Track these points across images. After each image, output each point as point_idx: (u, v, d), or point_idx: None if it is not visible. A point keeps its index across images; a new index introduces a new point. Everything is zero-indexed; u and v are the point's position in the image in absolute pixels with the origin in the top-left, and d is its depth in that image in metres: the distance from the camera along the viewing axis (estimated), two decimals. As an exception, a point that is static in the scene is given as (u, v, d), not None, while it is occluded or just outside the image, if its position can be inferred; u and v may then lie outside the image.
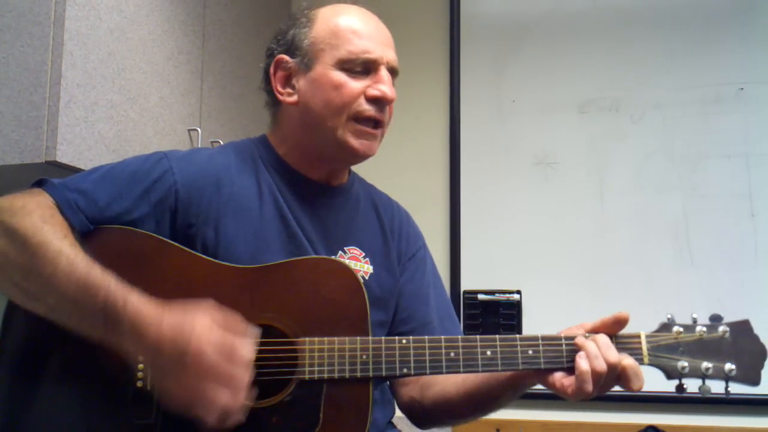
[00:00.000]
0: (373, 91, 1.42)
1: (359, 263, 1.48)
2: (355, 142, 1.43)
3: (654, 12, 2.97)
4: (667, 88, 2.91)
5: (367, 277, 1.48)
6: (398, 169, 2.94)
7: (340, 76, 1.42)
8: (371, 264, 1.50)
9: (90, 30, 1.90)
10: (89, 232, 1.30)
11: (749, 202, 2.77)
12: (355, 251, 1.49)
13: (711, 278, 2.75)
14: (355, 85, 1.42)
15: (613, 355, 1.22)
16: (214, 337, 1.12)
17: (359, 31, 1.44)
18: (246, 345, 1.15)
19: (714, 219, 2.79)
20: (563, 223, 2.92)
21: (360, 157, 1.47)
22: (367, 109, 1.42)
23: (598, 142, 2.95)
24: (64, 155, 1.79)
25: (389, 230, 1.58)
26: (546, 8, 3.08)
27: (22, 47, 1.81)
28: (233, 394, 1.12)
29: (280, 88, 1.48)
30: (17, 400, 1.27)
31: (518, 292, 2.89)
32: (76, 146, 1.83)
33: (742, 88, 2.84)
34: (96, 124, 1.91)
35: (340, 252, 1.47)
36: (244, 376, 1.14)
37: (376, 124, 1.45)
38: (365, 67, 1.43)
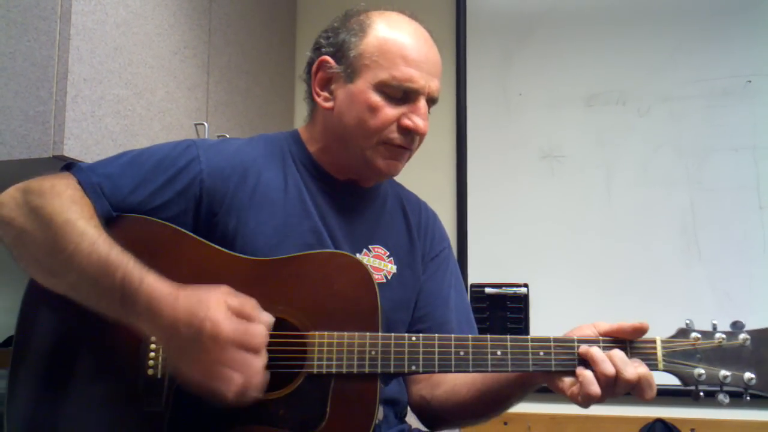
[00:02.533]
0: (406, 121, 1.38)
1: (383, 262, 1.47)
2: (381, 162, 1.42)
3: (661, 5, 2.95)
4: (674, 82, 2.89)
5: (389, 277, 1.47)
6: (405, 163, 2.93)
7: (377, 99, 1.38)
8: (395, 263, 1.49)
9: (96, 25, 1.90)
10: (109, 219, 1.30)
11: (757, 194, 2.76)
12: (380, 250, 1.48)
13: (719, 272, 2.74)
14: (390, 111, 1.38)
15: (630, 373, 1.19)
16: (229, 318, 1.13)
17: (409, 56, 1.38)
18: (260, 328, 1.15)
19: (722, 212, 2.78)
20: (570, 216, 2.91)
21: (384, 176, 1.47)
22: (397, 137, 1.40)
23: (605, 135, 2.94)
24: (71, 150, 1.79)
25: (416, 230, 1.57)
26: (552, 2, 3.07)
27: (28, 42, 1.81)
28: (250, 373, 1.13)
29: (318, 89, 1.45)
30: (27, 391, 1.28)
31: (525, 285, 2.89)
32: (83, 141, 1.84)
33: (750, 81, 2.82)
34: (103, 118, 1.91)
35: (364, 250, 1.46)
36: (260, 356, 1.14)
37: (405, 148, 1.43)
38: (405, 95, 1.39)
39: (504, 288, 2.90)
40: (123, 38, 2.01)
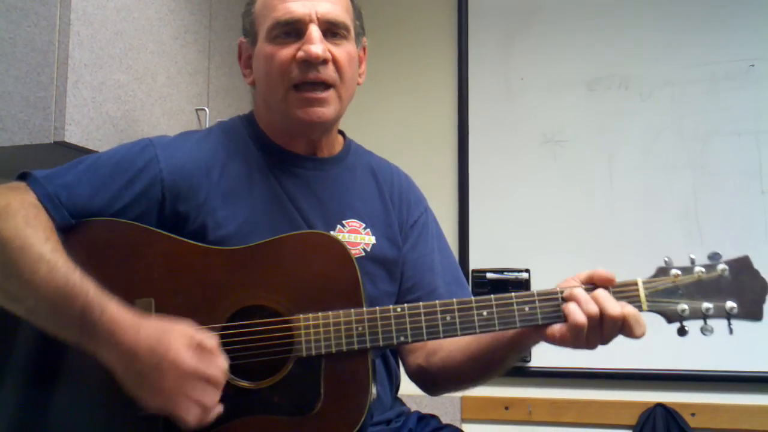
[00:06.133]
0: (300, 53, 1.37)
1: (359, 235, 1.46)
2: (299, 112, 1.40)
3: (664, -12, 2.94)
4: (676, 65, 2.88)
5: (368, 249, 1.46)
6: (406, 147, 2.93)
7: (270, 48, 1.40)
8: (373, 234, 1.48)
9: (97, 9, 1.89)
10: (74, 225, 1.29)
11: (759, 179, 2.75)
12: (355, 224, 1.47)
13: (720, 256, 2.74)
14: (284, 53, 1.38)
15: (613, 307, 1.20)
16: (191, 349, 1.14)
17: None
18: (220, 361, 1.17)
19: (724, 197, 2.77)
20: (572, 201, 2.90)
21: (313, 125, 1.43)
22: (298, 74, 1.38)
23: (607, 120, 2.93)
24: (73, 135, 1.79)
25: (389, 199, 1.55)
26: (555, -15, 3.05)
27: (29, 27, 1.81)
28: (208, 404, 1.14)
29: (244, 69, 1.51)
30: (16, 394, 1.26)
31: (527, 270, 2.89)
32: (84, 126, 1.83)
33: (753, 65, 2.81)
34: (104, 104, 1.91)
35: (338, 226, 1.45)
36: (218, 388, 1.16)
37: (325, 86, 1.40)
38: (295, 30, 1.38)
39: (505, 273, 2.90)
40: (124, 23, 2.00)
